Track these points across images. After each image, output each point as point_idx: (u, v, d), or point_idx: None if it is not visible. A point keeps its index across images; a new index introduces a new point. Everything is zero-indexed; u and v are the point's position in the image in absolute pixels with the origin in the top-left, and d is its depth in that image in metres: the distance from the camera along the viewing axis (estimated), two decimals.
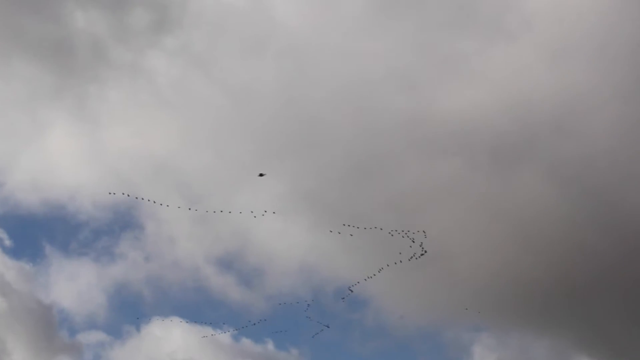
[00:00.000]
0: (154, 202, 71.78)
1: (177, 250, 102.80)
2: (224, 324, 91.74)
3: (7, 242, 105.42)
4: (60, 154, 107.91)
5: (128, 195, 71.26)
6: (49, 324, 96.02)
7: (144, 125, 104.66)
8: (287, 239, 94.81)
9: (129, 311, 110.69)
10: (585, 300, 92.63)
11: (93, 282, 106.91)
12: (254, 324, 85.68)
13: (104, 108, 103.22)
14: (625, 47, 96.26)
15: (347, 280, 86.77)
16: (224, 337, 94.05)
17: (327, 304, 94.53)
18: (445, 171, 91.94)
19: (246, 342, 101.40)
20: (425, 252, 75.12)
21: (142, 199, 75.38)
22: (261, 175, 74.06)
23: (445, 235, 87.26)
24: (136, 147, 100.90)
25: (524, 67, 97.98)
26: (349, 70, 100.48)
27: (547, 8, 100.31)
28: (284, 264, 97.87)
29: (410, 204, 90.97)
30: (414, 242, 71.12)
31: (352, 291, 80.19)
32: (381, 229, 73.07)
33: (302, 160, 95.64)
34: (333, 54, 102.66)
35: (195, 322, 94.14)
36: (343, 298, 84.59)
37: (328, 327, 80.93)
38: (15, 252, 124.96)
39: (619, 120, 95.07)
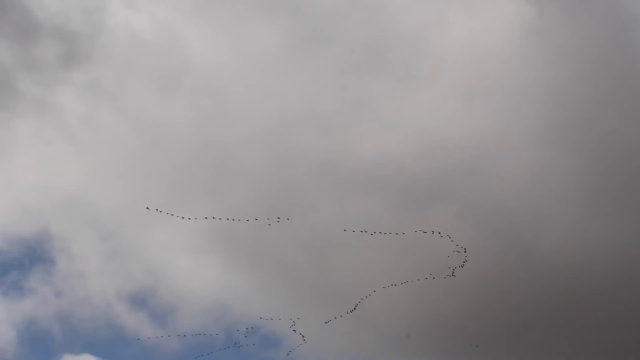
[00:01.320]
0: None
1: (88, 285, 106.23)
2: None
3: None
4: None
5: None
6: None
7: (53, 160, 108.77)
8: (200, 277, 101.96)
9: (39, 347, 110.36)
10: (508, 338, 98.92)
11: (2, 317, 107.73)
12: None
13: (11, 141, 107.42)
14: (534, 91, 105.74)
15: (260, 318, 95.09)
16: None
17: (239, 341, 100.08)
18: (360, 212, 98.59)
19: None
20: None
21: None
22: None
23: (360, 276, 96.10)
24: (46, 182, 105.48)
25: (435, 111, 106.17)
26: (264, 109, 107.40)
27: (457, 53, 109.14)
28: (198, 302, 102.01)
29: (324, 244, 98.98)
30: None
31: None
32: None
33: (216, 199, 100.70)
34: (249, 93, 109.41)
35: (107, 359, 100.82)
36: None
37: None
38: None
39: (529, 162, 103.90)
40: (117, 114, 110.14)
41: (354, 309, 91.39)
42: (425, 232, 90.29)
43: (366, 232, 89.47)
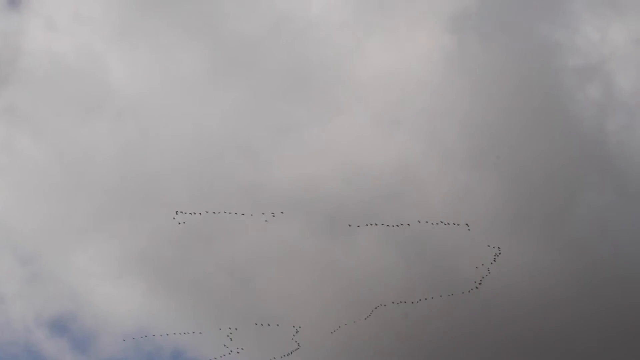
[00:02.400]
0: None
1: (8, 310, 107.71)
2: None
3: None
4: None
5: None
6: None
7: None
8: (122, 302, 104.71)
9: None
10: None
11: None
12: None
13: None
14: (454, 117, 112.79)
15: (184, 344, 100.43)
16: None
17: None
18: (284, 236, 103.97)
19: None
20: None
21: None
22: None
23: (284, 299, 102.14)
24: None
25: (357, 137, 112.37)
26: (187, 135, 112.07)
27: (377, 80, 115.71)
28: (120, 328, 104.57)
29: (247, 268, 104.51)
30: None
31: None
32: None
33: (139, 223, 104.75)
34: (172, 118, 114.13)
35: None
36: None
37: None
38: None
39: (451, 187, 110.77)
40: (37, 138, 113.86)
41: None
42: (434, 224, 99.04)
43: (369, 224, 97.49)
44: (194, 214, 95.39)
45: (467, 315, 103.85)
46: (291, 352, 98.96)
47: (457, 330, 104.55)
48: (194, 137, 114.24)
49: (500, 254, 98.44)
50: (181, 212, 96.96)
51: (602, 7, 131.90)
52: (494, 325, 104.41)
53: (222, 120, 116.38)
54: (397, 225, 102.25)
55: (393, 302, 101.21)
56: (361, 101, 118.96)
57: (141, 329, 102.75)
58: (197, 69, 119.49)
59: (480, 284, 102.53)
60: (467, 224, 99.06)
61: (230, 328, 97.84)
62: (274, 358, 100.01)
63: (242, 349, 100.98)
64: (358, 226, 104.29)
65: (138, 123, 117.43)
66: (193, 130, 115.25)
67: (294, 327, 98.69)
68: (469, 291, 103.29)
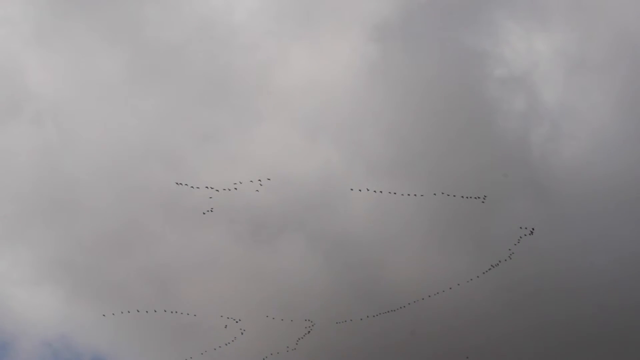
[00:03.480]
0: None
1: None
2: None
3: None
4: None
5: None
6: None
7: None
8: (41, 308, 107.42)
9: None
10: None
11: None
12: None
13: None
14: (378, 127, 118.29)
15: (104, 351, 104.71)
16: None
17: None
18: (207, 243, 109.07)
19: None
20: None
21: None
22: None
23: (208, 307, 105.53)
24: None
25: (282, 145, 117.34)
26: (108, 140, 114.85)
27: (301, 88, 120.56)
28: (38, 335, 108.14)
29: (169, 275, 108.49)
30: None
31: None
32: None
33: (58, 229, 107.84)
34: (92, 121, 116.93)
35: None
36: None
37: None
38: None
39: (374, 197, 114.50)
40: None
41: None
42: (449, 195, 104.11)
43: (375, 191, 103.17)
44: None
45: (399, 330, 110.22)
46: None
47: (387, 345, 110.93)
48: (114, 142, 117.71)
49: (532, 233, 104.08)
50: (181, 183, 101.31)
51: (527, 19, 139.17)
52: (426, 340, 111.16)
53: (143, 125, 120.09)
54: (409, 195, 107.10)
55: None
56: (284, 109, 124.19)
57: (61, 335, 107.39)
58: (117, 73, 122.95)
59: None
60: (484, 196, 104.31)
61: None
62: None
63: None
64: None
65: (56, 127, 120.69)
66: (113, 135, 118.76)
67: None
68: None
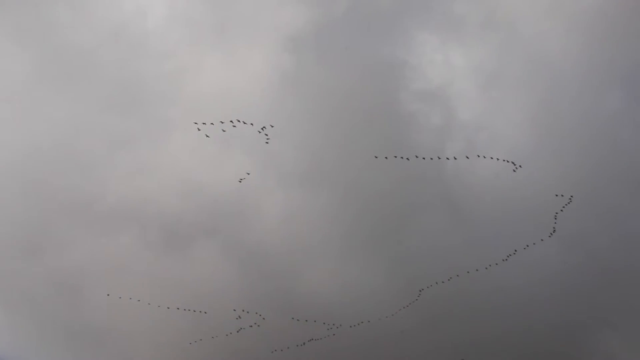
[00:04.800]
0: None
1: None
2: None
3: None
4: None
5: None
6: None
7: None
8: None
9: None
10: None
11: None
12: None
13: None
14: (289, 136, 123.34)
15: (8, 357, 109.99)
16: None
17: None
18: (118, 249, 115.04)
19: None
20: None
21: None
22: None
23: (117, 311, 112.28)
24: None
25: (195, 154, 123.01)
26: (18, 143, 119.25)
27: (215, 97, 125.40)
28: None
29: (78, 281, 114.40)
30: None
31: None
32: None
33: None
34: (1, 126, 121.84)
35: None
36: None
37: None
38: None
39: (286, 205, 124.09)
40: None
41: None
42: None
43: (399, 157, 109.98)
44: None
45: (309, 328, 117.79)
46: None
47: (300, 347, 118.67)
48: (23, 146, 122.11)
49: (570, 201, 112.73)
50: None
51: (444, 33, 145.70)
52: (332, 341, 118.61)
53: (53, 130, 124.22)
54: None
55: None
56: (197, 118, 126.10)
57: None
58: (26, 76, 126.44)
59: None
60: (514, 164, 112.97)
61: None
62: None
63: None
64: None
65: None
66: (22, 140, 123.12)
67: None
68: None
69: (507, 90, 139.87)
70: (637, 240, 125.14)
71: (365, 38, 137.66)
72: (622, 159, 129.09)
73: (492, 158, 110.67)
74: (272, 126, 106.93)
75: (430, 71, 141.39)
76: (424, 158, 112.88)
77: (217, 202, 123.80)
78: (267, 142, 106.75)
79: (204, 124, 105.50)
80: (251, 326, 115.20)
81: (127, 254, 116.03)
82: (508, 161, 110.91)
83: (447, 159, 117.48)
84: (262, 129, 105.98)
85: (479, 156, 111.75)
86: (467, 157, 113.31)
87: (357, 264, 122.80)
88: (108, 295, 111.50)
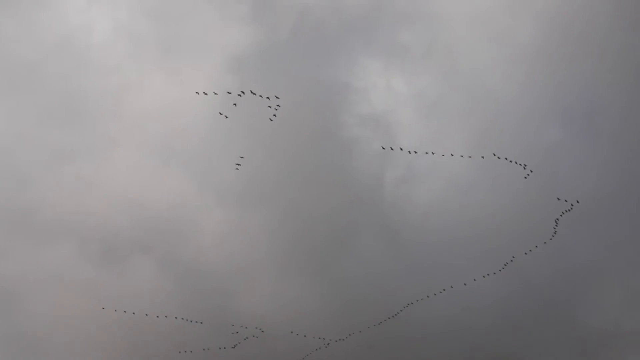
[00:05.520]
0: None
1: None
2: None
3: None
4: None
5: None
6: None
7: None
8: None
9: None
10: None
11: None
12: None
13: None
14: (227, 156, 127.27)
15: None
16: None
17: None
18: (55, 261, 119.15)
19: None
20: None
21: None
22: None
23: (54, 322, 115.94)
24: None
25: (134, 169, 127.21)
26: None
27: (156, 114, 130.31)
28: None
29: (14, 293, 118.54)
30: None
31: None
32: None
33: None
34: None
35: None
36: None
37: None
38: None
39: (223, 225, 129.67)
40: None
41: None
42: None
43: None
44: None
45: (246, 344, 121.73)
46: None
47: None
48: None
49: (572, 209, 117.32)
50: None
51: (387, 59, 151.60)
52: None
53: None
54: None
55: None
56: (138, 134, 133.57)
57: None
58: None
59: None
60: (524, 166, 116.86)
61: None
62: None
63: None
64: None
65: None
66: None
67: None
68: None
69: (448, 118, 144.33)
70: (575, 272, 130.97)
71: (309, 60, 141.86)
72: (560, 190, 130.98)
73: (506, 159, 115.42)
74: (277, 97, 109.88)
75: (373, 96, 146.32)
76: (443, 155, 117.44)
77: (155, 219, 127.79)
78: (271, 119, 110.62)
79: (205, 93, 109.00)
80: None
81: (65, 265, 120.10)
82: (519, 164, 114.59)
83: (461, 156, 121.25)
84: (268, 99, 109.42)
85: (494, 155, 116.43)
86: (483, 157, 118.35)
87: (294, 285, 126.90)
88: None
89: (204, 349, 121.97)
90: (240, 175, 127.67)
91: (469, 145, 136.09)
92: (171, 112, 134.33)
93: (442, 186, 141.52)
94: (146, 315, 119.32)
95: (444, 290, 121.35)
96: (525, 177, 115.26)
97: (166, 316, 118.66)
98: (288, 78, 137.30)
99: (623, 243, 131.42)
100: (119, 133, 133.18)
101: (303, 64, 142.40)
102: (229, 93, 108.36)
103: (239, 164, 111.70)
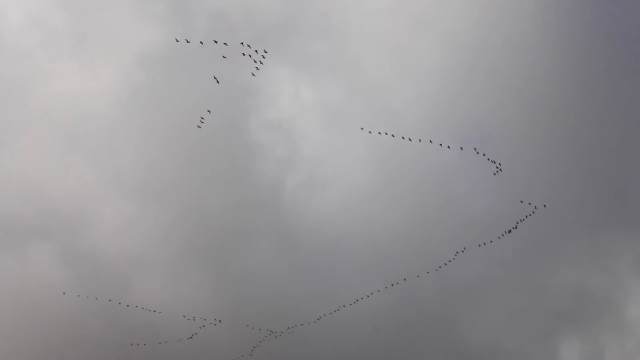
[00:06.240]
0: None
1: None
2: None
3: None
4: None
5: None
6: None
7: None
8: None
9: None
10: None
11: None
12: None
13: None
14: (132, 149, 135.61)
15: None
16: None
17: None
18: None
19: None
20: None
21: None
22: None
23: None
24: None
25: (38, 157, 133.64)
26: None
27: (63, 104, 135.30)
28: None
29: None
30: None
31: None
32: None
33: None
34: None
35: None
36: None
37: None
38: None
39: (122, 215, 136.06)
40: None
41: None
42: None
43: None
44: None
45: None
46: None
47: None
48: None
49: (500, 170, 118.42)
50: None
51: (295, 67, 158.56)
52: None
53: None
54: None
55: None
56: (45, 122, 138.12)
57: None
58: None
59: None
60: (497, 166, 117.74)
61: None
62: None
63: None
64: None
65: None
66: None
67: None
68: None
69: (351, 130, 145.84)
70: (461, 289, 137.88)
71: (220, 62, 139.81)
72: (452, 209, 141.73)
73: (483, 155, 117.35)
74: (265, 51, 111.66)
75: (280, 103, 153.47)
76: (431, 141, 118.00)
77: (56, 206, 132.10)
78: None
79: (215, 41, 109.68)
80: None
81: None
82: (493, 161, 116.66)
83: (444, 145, 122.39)
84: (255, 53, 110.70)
85: (483, 155, 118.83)
86: (461, 148, 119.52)
87: (186, 280, 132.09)
88: None
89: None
90: (142, 169, 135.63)
91: (370, 157, 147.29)
92: (79, 102, 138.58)
93: (342, 195, 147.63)
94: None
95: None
96: (495, 174, 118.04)
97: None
98: (195, 77, 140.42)
99: (506, 262, 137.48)
100: (26, 120, 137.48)
101: (214, 65, 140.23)
102: (215, 42, 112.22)
103: (203, 118, 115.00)
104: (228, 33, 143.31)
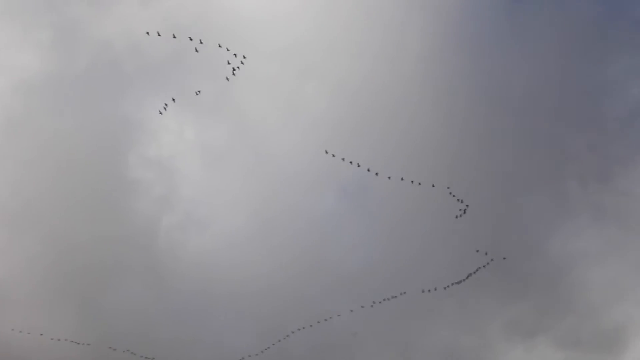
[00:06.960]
0: None
1: None
2: None
3: None
4: None
5: None
6: None
7: None
8: None
9: None
10: None
11: None
12: None
13: None
14: (4, 173, 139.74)
15: None
16: None
17: None
18: None
19: None
20: None
21: None
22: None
23: None
24: None
25: None
26: None
27: None
28: None
29: None
30: None
31: None
32: None
33: None
34: None
35: None
36: None
37: None
38: None
39: None
40: None
41: None
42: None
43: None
44: None
45: None
46: None
47: None
48: None
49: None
50: None
51: (181, 106, 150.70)
52: None
53: None
54: None
55: None
56: None
57: None
58: None
59: None
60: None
61: None
62: None
63: None
64: None
65: None
66: None
67: None
68: None
69: (231, 173, 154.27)
70: (333, 346, 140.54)
71: (103, 95, 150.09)
72: (328, 257, 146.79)
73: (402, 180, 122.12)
74: (244, 57, 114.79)
75: (162, 140, 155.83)
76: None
77: None
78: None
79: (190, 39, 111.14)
80: None
81: None
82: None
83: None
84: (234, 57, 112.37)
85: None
86: (389, 178, 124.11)
87: (48, 309, 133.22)
88: None
89: None
90: (12, 196, 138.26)
91: (248, 202, 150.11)
92: None
93: (218, 238, 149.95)
94: None
95: None
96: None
97: None
98: (78, 109, 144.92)
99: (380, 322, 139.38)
100: None
101: (96, 97, 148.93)
102: (191, 39, 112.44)
103: (166, 105, 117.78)
104: (113, 65, 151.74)
